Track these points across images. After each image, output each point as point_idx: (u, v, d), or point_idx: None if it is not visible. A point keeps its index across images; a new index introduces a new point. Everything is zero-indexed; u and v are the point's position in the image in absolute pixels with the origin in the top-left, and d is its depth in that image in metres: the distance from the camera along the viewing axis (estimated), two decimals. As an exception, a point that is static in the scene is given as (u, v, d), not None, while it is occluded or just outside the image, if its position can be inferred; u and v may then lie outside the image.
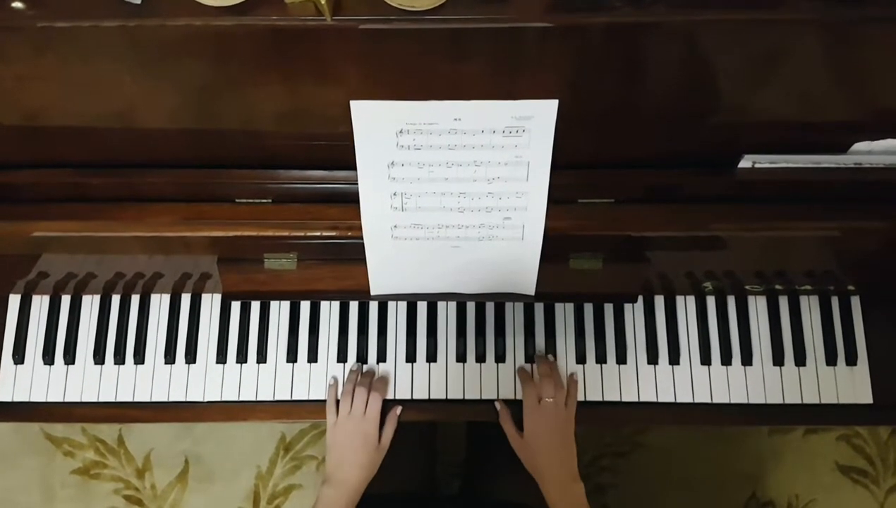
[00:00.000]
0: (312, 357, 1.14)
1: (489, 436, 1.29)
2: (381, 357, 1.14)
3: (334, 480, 1.04)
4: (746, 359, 1.14)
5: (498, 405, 1.11)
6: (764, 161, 0.91)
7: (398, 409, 1.11)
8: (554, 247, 0.97)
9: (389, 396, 1.12)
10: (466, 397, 1.13)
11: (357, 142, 0.85)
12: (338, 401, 1.10)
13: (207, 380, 1.13)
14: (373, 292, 1.05)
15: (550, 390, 1.07)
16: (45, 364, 1.14)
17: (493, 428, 1.13)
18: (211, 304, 1.16)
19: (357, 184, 0.90)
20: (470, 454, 1.41)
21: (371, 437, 1.07)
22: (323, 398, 1.12)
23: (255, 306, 1.16)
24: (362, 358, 1.14)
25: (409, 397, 1.13)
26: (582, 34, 0.74)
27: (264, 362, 1.14)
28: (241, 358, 1.14)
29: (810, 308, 1.15)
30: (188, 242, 0.99)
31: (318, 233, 0.97)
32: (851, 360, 1.13)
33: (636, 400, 1.13)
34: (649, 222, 0.97)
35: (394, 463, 1.14)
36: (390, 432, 1.09)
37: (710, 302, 1.16)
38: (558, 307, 1.15)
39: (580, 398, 1.12)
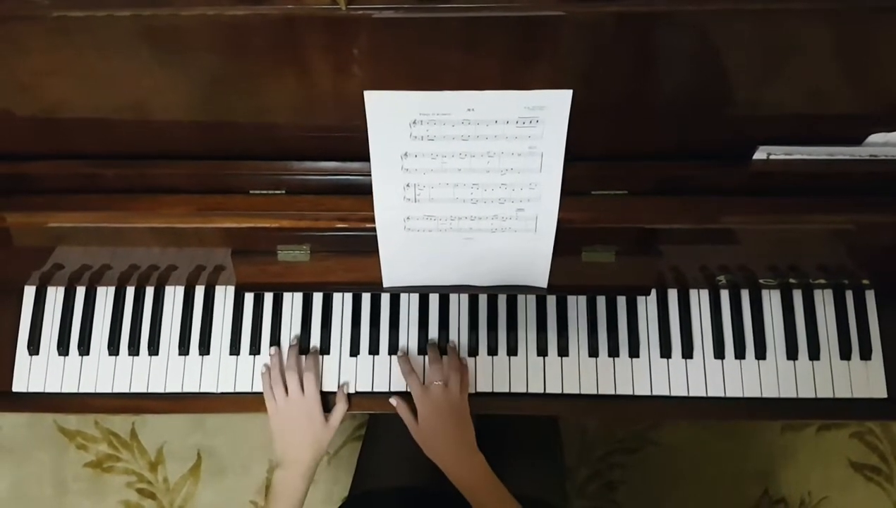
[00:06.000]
0: (325, 349, 1.14)
1: (499, 429, 1.29)
2: (393, 349, 1.14)
3: (285, 461, 1.05)
4: (760, 353, 1.13)
5: (393, 400, 1.10)
6: (779, 153, 0.91)
7: (346, 387, 1.12)
8: (567, 239, 0.97)
9: (402, 389, 1.12)
10: (478, 390, 1.12)
11: (370, 133, 0.85)
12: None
13: (221, 372, 1.14)
14: (385, 284, 1.05)
15: (436, 374, 1.08)
16: (59, 355, 1.15)
17: (503, 421, 1.12)
18: (224, 296, 1.16)
19: (370, 175, 0.90)
20: (480, 447, 1.41)
21: (315, 415, 1.08)
22: (334, 390, 1.12)
23: (269, 298, 1.16)
24: (374, 350, 1.14)
25: (420, 389, 1.12)
26: (596, 23, 0.74)
27: (277, 353, 1.14)
28: (255, 349, 1.14)
29: (824, 302, 1.15)
30: (202, 233, 1.00)
31: (331, 225, 0.97)
32: (866, 355, 1.12)
33: (648, 393, 1.12)
34: (663, 214, 0.97)
35: (402, 457, 1.14)
36: (342, 409, 1.10)
37: (724, 295, 1.15)
38: (571, 300, 1.15)
39: (595, 391, 1.12)
